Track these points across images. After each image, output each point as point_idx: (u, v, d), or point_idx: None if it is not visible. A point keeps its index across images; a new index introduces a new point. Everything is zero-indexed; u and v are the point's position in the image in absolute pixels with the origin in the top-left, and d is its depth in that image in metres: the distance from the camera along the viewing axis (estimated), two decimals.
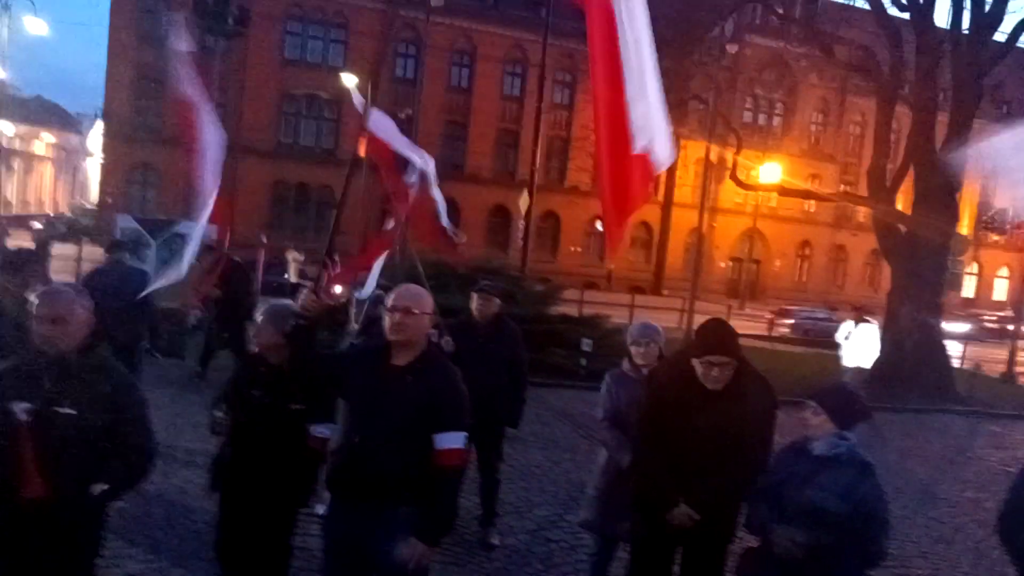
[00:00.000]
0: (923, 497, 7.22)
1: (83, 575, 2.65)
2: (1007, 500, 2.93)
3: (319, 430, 3.10)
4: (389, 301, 2.80)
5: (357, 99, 3.69)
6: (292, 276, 17.26)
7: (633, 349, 3.85)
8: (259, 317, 3.25)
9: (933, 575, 5.29)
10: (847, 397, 2.96)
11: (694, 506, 2.98)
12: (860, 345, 10.53)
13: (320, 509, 3.17)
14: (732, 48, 31.89)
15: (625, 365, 3.93)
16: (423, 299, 2.83)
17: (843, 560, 2.67)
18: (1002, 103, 46.07)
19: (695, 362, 2.98)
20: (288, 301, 3.44)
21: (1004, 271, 47.76)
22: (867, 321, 10.70)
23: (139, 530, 4.53)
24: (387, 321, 2.77)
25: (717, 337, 3.01)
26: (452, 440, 2.69)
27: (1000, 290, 47.86)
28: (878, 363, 13.97)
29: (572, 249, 39.52)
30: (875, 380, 13.54)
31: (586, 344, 10.74)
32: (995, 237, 38.96)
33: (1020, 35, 14.04)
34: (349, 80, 29.89)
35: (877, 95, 15.30)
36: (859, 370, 10.49)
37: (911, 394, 12.66)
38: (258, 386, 3.21)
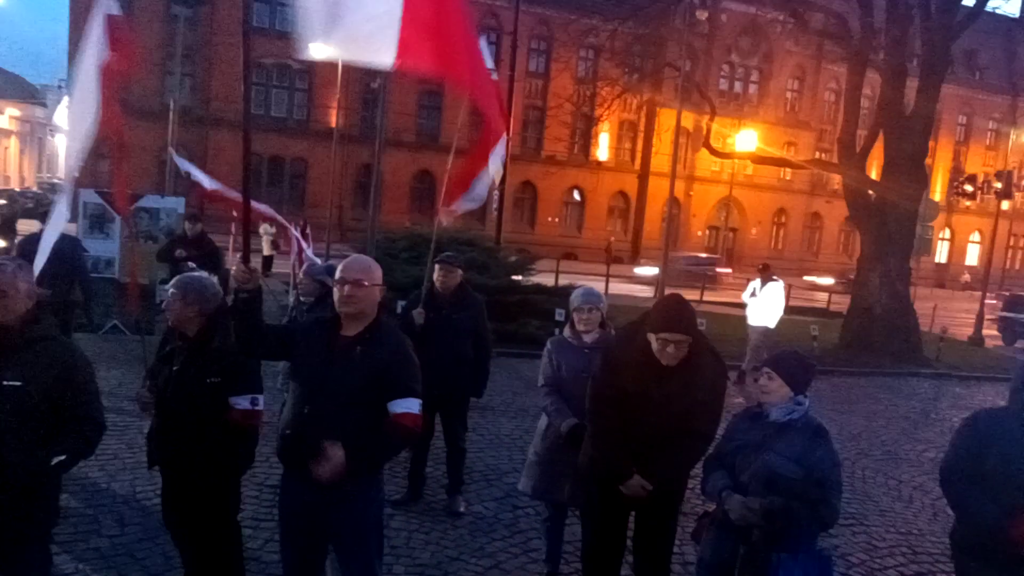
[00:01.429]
0: (887, 458, 7.39)
1: (39, 544, 2.65)
2: (948, 453, 3.02)
3: (238, 402, 3.06)
4: (338, 273, 2.78)
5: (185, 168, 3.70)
6: (265, 249, 17.07)
7: (575, 315, 3.87)
8: (170, 291, 3.18)
9: (891, 533, 5.42)
10: (800, 363, 3.00)
11: (647, 477, 3.01)
12: (766, 304, 10.23)
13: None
14: (702, 15, 31.67)
15: (566, 331, 3.95)
16: (372, 270, 2.81)
17: (797, 522, 2.72)
18: (976, 69, 46.49)
19: (651, 337, 2.99)
20: (201, 274, 3.41)
21: (976, 236, 48.48)
22: (773, 280, 10.31)
23: (105, 505, 4.53)
24: (336, 293, 2.76)
25: (674, 314, 3.01)
26: (407, 405, 2.70)
27: (972, 255, 48.63)
28: (849, 328, 14.24)
29: (550, 219, 39.49)
30: (845, 345, 13.82)
31: (560, 314, 10.77)
32: (967, 203, 39.38)
33: (987, 2, 14.10)
34: (320, 50, 29.41)
35: (848, 62, 15.33)
36: (765, 329, 10.18)
37: (880, 358, 12.91)
38: (175, 361, 3.18)
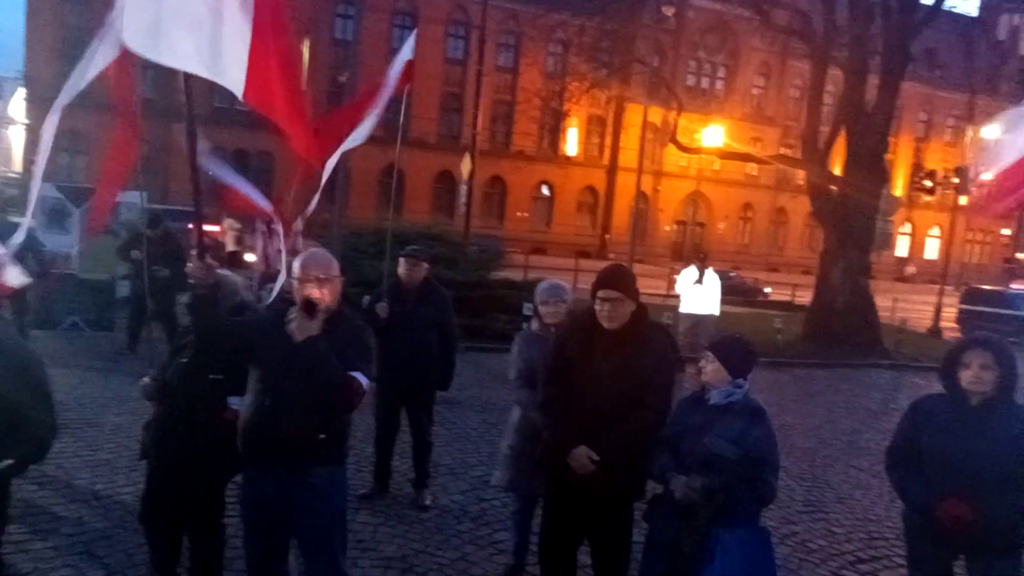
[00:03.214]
0: (846, 447, 7.55)
1: None
2: (893, 438, 3.14)
3: (234, 402, 3.04)
4: (297, 271, 2.78)
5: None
6: (229, 244, 16.82)
7: (542, 309, 3.90)
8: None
9: (849, 520, 5.55)
10: (741, 347, 3.07)
11: (597, 451, 3.01)
12: (711, 292, 10.27)
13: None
14: (669, 11, 31.92)
15: (534, 325, 3.99)
16: (331, 266, 2.82)
17: (736, 500, 2.81)
18: (936, 67, 47.55)
19: (594, 304, 3.05)
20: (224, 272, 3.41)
21: (935, 230, 49.62)
22: (708, 269, 10.35)
23: (64, 503, 4.46)
24: (298, 289, 2.76)
25: (609, 274, 3.08)
26: (353, 374, 2.70)
27: (932, 249, 49.77)
28: (811, 321, 14.50)
29: (519, 214, 39.55)
30: (808, 338, 14.07)
31: (528, 309, 10.80)
32: (927, 198, 40.28)
33: (944, 1, 14.44)
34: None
35: (811, 59, 15.58)
36: (711, 317, 10.20)
37: (841, 350, 13.16)
38: (185, 353, 3.19)
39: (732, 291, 22.79)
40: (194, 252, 2.75)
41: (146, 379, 3.25)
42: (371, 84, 6.36)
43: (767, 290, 26.22)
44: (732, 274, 26.11)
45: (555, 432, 3.14)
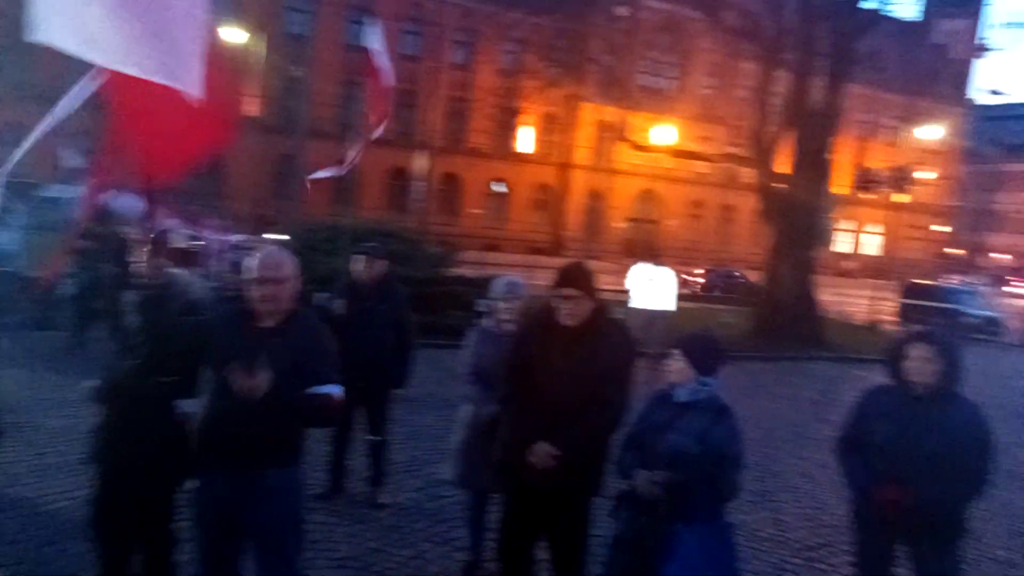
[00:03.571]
0: (793, 438, 7.79)
1: None
2: (842, 428, 3.28)
3: (186, 405, 2.98)
4: (252, 272, 2.74)
5: None
6: (177, 242, 16.42)
7: (498, 305, 3.93)
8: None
9: (797, 508, 5.73)
10: (707, 345, 3.13)
11: (557, 448, 3.03)
12: (664, 288, 10.30)
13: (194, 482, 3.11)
14: (622, 11, 32.27)
15: (489, 322, 4.01)
16: (286, 266, 2.79)
17: (698, 496, 2.87)
18: (878, 70, 49.01)
19: (554, 301, 3.08)
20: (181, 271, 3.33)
21: (875, 227, 51.22)
22: (663, 266, 10.37)
23: (7, 510, 4.33)
24: (253, 292, 2.72)
25: (568, 272, 3.12)
26: (327, 391, 2.71)
27: (872, 245, 51.39)
28: (758, 316, 14.87)
29: (473, 211, 39.50)
30: (755, 332, 14.43)
31: (482, 305, 10.81)
32: (868, 196, 41.54)
33: (885, 5, 14.94)
34: (233, 34, 28.42)
35: (760, 60, 15.95)
36: (665, 312, 10.18)
37: (787, 344, 13.53)
38: (134, 355, 3.10)
39: (736, 291, 23.09)
40: (145, 250, 2.70)
41: (93, 381, 3.17)
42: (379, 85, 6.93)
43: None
44: (736, 274, 26.32)
45: (514, 428, 3.17)
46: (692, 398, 2.96)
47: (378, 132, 7.08)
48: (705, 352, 3.03)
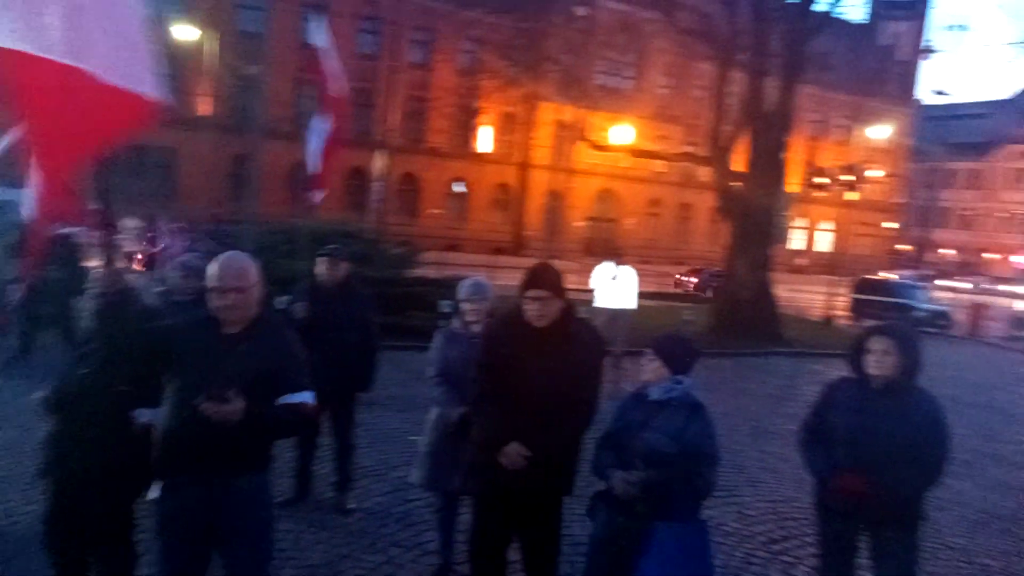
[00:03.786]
0: (754, 432, 7.91)
1: None
2: (805, 419, 3.35)
3: (144, 414, 2.87)
4: (214, 280, 2.65)
5: None
6: (128, 245, 16.02)
7: (465, 307, 3.91)
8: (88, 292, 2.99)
9: (760, 502, 5.82)
10: (681, 345, 3.17)
11: (530, 447, 3.03)
12: (627, 286, 10.26)
13: (152, 494, 3.00)
14: (581, 11, 32.48)
15: (455, 323, 3.99)
16: (248, 273, 2.71)
17: (674, 495, 2.89)
18: (828, 71, 50.19)
19: (523, 303, 3.08)
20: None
21: (828, 224, 52.49)
22: (624, 264, 10.29)
23: None
24: (216, 301, 2.65)
25: (537, 273, 3.12)
26: (299, 398, 2.66)
27: (824, 242, 52.63)
28: (717, 313, 15.10)
29: (433, 211, 39.31)
30: (715, 329, 14.64)
31: (445, 306, 10.75)
32: (820, 194, 42.54)
33: (836, 6, 15.30)
34: (185, 32, 27.82)
35: (715, 61, 16.20)
36: (612, 311, 10.09)
37: (746, 340, 13.77)
38: (87, 364, 2.99)
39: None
40: (103, 256, 2.61)
41: (42, 392, 3.04)
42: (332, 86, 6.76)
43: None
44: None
45: (486, 430, 3.16)
46: (666, 396, 2.98)
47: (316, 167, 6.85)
48: (678, 351, 3.06)
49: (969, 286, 41.81)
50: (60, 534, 3.08)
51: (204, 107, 33.47)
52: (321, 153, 6.69)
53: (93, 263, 2.81)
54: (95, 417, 2.87)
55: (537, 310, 3.03)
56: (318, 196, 6.95)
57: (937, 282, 35.58)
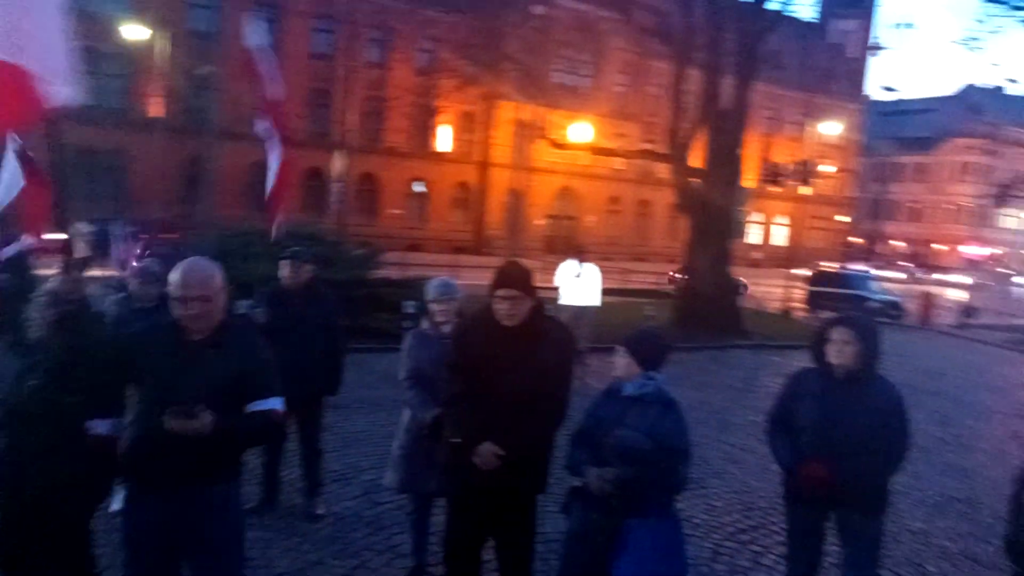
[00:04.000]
0: (719, 424, 8.03)
1: None
2: (771, 410, 3.41)
3: (97, 426, 2.75)
4: (177, 288, 2.59)
5: None
6: (79, 250, 15.53)
7: (434, 307, 3.89)
8: (38, 299, 2.86)
9: (727, 493, 5.91)
10: (652, 341, 3.19)
11: (502, 446, 3.02)
12: (591, 284, 10.41)
13: (115, 505, 2.91)
14: (538, 9, 32.57)
15: (425, 324, 3.97)
16: (213, 280, 2.65)
17: (648, 490, 2.91)
18: (782, 68, 51.20)
19: (493, 302, 3.07)
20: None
21: (783, 219, 53.55)
22: (588, 262, 10.43)
23: None
24: (180, 309, 2.59)
25: (507, 273, 3.11)
26: (269, 404, 2.61)
27: (780, 236, 53.68)
28: (679, 307, 15.30)
29: (393, 212, 39.04)
30: (677, 323, 14.83)
31: (409, 306, 10.69)
32: (775, 189, 43.34)
33: (788, 5, 15.61)
34: (134, 31, 27.13)
35: (671, 59, 16.39)
36: (577, 308, 10.15)
37: (707, 333, 13.96)
38: (36, 375, 2.87)
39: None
40: (61, 264, 2.53)
41: None
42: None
43: (743, 281, 26.61)
44: None
45: (458, 430, 3.14)
46: (639, 392, 3.00)
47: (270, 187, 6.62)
48: (650, 347, 3.09)
49: (904, 276, 43.04)
50: (14, 552, 2.97)
51: (156, 108, 32.68)
52: (275, 183, 6.51)
53: (45, 271, 2.70)
54: (45, 430, 2.75)
55: (508, 309, 3.03)
56: (277, 225, 6.69)
57: (875, 272, 36.54)
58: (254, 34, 6.81)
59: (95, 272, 7.91)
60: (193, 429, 2.39)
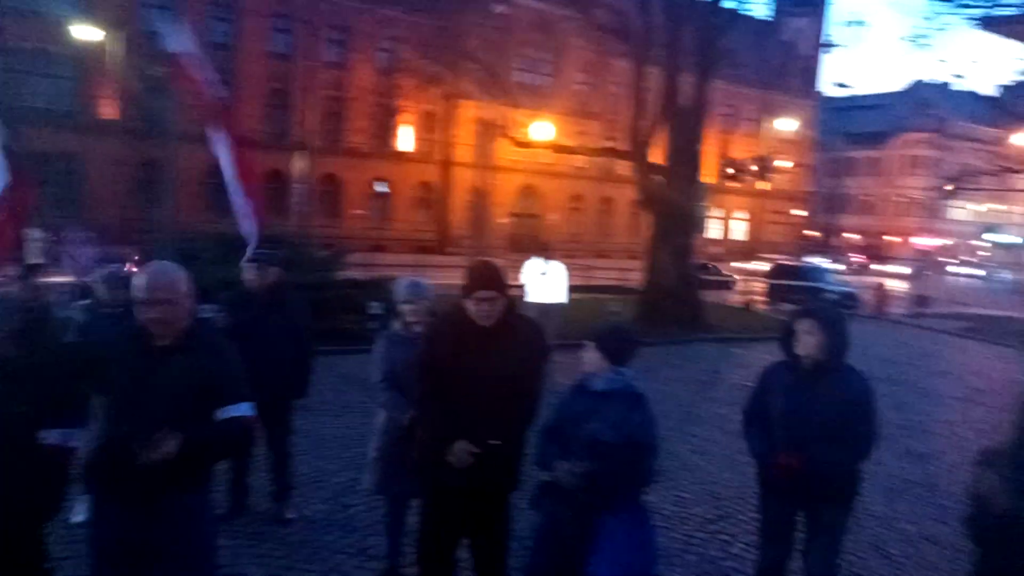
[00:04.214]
0: (685, 417, 8.14)
1: None
2: (745, 405, 3.48)
3: (48, 436, 2.65)
4: (142, 292, 2.55)
5: None
6: (31, 257, 15.10)
7: (405, 308, 3.88)
8: None
9: (695, 484, 6.00)
10: (621, 336, 3.22)
11: (476, 444, 3.03)
12: (558, 281, 10.52)
13: (78, 517, 2.84)
14: (498, 8, 32.56)
15: (396, 325, 3.96)
16: (178, 284, 2.61)
17: (617, 484, 2.95)
18: (739, 66, 52.01)
19: (467, 303, 3.07)
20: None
21: (742, 214, 54.41)
22: (554, 260, 10.54)
23: None
24: (145, 313, 2.54)
25: (484, 274, 3.12)
26: (238, 411, 2.59)
27: (738, 231, 54.54)
28: (643, 303, 15.46)
29: (355, 212, 38.70)
30: (641, 318, 14.98)
31: (374, 307, 10.63)
32: (734, 184, 44.03)
33: (743, 3, 15.88)
34: (85, 32, 26.47)
35: (630, 58, 16.55)
36: (543, 306, 10.25)
37: (671, 328, 14.13)
38: None
39: (709, 284, 23.23)
40: (21, 271, 2.47)
41: None
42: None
43: (736, 277, 26.76)
44: (710, 266, 26.48)
45: (432, 429, 3.15)
46: (608, 387, 3.03)
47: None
48: (618, 343, 3.12)
49: (843, 267, 44.08)
50: None
51: (109, 111, 31.91)
52: (245, 187, 6.30)
53: None
54: None
55: (487, 310, 3.04)
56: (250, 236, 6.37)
57: (828, 265, 37.42)
58: (174, 39, 6.46)
59: (49, 278, 7.71)
60: (160, 455, 2.36)
